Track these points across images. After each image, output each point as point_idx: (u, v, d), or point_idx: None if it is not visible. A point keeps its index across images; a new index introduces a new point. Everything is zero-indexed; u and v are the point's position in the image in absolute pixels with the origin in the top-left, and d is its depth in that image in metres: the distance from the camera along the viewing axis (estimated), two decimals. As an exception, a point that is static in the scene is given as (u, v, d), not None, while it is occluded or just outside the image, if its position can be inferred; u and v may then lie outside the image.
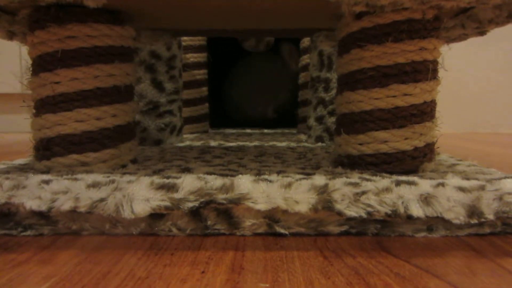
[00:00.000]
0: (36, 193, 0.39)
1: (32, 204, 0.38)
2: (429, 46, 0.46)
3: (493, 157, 0.90)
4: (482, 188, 0.40)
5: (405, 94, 0.46)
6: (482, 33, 0.52)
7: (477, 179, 0.43)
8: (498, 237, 0.40)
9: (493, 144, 1.19)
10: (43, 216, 0.39)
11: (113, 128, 0.50)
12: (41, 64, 0.49)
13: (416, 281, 0.30)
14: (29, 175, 0.43)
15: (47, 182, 0.41)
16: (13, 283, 0.29)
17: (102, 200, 0.38)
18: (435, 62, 0.47)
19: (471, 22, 0.50)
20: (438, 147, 0.53)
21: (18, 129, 1.69)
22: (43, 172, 0.46)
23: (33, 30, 0.49)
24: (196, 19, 0.61)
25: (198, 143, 0.86)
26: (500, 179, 0.43)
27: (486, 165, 0.56)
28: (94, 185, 0.40)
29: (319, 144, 0.85)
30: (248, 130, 1.26)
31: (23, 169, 0.51)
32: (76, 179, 0.41)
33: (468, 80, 1.58)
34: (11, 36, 0.58)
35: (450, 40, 0.57)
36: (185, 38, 1.05)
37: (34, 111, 0.51)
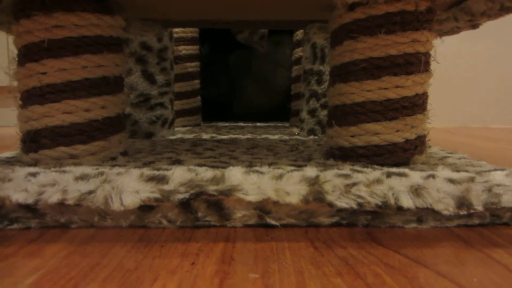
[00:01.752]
0: (22, 186, 0.38)
1: (18, 197, 0.37)
2: (421, 38, 0.46)
3: (484, 151, 0.91)
4: (471, 180, 0.41)
5: (397, 86, 0.46)
6: (474, 26, 0.52)
7: (467, 171, 0.44)
8: (486, 228, 0.40)
9: (484, 138, 1.20)
10: (30, 209, 0.39)
11: (102, 120, 0.50)
12: (27, 54, 0.48)
13: (406, 270, 0.30)
14: (15, 168, 0.42)
15: (34, 174, 0.40)
16: (-1, 276, 0.29)
17: (90, 192, 0.38)
18: (427, 55, 0.47)
19: (463, 15, 0.50)
20: (429, 140, 0.53)
21: (6, 123, 1.67)
22: (30, 165, 0.46)
23: (18, 19, 0.48)
24: (187, 10, 0.60)
25: (190, 136, 0.86)
26: (489, 171, 0.44)
27: (477, 158, 0.56)
28: (83, 178, 0.39)
29: (312, 137, 0.85)
30: (241, 124, 1.25)
31: (10, 162, 0.50)
32: (64, 172, 0.41)
33: (459, 75, 1.59)
34: (-4, 25, 0.56)
35: (442, 33, 0.57)
36: (177, 30, 1.04)
37: (20, 102, 0.50)
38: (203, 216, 0.39)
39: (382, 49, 0.45)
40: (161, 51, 0.81)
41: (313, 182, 0.39)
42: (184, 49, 1.06)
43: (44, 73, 0.47)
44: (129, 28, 0.58)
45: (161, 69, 0.82)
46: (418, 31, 0.45)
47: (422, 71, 0.46)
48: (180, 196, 0.38)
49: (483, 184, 0.40)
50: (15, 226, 0.39)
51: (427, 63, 0.47)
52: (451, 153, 0.60)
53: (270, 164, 0.46)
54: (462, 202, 0.39)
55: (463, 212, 0.39)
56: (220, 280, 0.28)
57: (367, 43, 0.46)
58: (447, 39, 0.59)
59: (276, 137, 0.85)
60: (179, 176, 0.39)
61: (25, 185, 0.38)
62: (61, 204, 0.38)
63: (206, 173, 0.40)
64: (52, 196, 0.37)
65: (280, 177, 0.40)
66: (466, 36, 1.48)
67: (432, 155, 0.57)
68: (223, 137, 0.84)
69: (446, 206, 0.39)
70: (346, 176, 0.40)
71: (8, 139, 1.10)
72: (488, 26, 0.61)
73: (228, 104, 1.34)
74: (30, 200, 0.37)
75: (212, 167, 0.43)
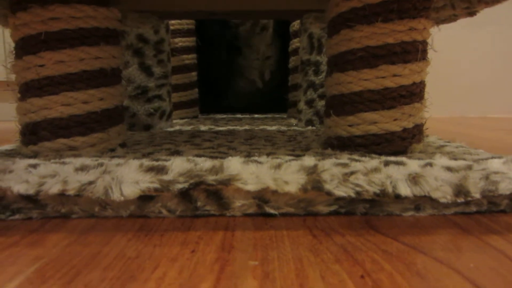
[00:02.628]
0: (23, 177, 0.39)
1: (19, 188, 0.38)
2: (418, 26, 0.46)
3: (482, 140, 0.91)
4: (469, 167, 0.41)
5: (395, 75, 0.46)
6: (472, 13, 0.52)
7: (464, 159, 0.44)
8: (484, 216, 0.41)
9: (482, 127, 1.20)
10: (31, 200, 0.39)
11: (100, 112, 0.50)
12: (24, 47, 0.48)
13: (403, 257, 0.31)
14: (16, 159, 0.43)
15: (34, 166, 0.40)
16: (2, 265, 0.29)
17: (90, 183, 0.38)
18: (424, 43, 0.47)
19: (460, 2, 0.50)
20: (427, 129, 0.53)
21: (5, 118, 1.66)
22: (30, 157, 0.46)
23: (15, 12, 0.48)
24: (183, 0, 0.60)
25: (188, 128, 0.86)
26: (487, 159, 0.44)
27: (475, 147, 0.56)
28: (83, 169, 0.40)
29: (309, 127, 0.85)
30: (239, 115, 1.25)
31: (10, 154, 0.50)
32: (64, 163, 0.41)
33: (457, 64, 1.59)
34: (-8, 18, 0.56)
35: (440, 21, 0.57)
36: (173, 22, 1.04)
37: (19, 95, 0.50)
38: (203, 206, 0.39)
39: (379, 37, 0.45)
40: (157, 43, 0.81)
41: (312, 171, 0.39)
42: (181, 41, 1.05)
43: (42, 66, 0.47)
44: (125, 20, 0.58)
45: (158, 61, 0.82)
46: (415, 19, 0.45)
47: (420, 59, 0.46)
48: (180, 186, 0.38)
49: (480, 172, 0.41)
50: (17, 216, 0.39)
51: (425, 52, 0.47)
52: (448, 142, 0.60)
53: (268, 154, 0.46)
54: (460, 190, 0.39)
55: (460, 199, 0.39)
56: (220, 267, 0.29)
57: (364, 31, 0.46)
58: (445, 27, 0.59)
59: (274, 128, 0.85)
60: (178, 166, 0.39)
61: (26, 177, 0.38)
62: (61, 195, 0.38)
63: (205, 163, 0.40)
64: (53, 187, 0.37)
65: (278, 166, 0.40)
66: (464, 24, 1.48)
67: (430, 144, 0.57)
68: (221, 128, 0.84)
69: (444, 194, 0.39)
70: (344, 165, 0.41)
71: (9, 134, 1.10)
72: (486, 14, 0.61)
73: (223, 96, 1.33)
74: (31, 191, 0.37)
75: (211, 157, 0.43)
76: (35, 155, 0.47)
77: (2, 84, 1.61)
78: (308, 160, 0.41)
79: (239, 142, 0.60)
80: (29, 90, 0.48)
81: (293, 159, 0.42)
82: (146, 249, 0.32)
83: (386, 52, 0.45)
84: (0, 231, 0.36)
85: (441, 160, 0.43)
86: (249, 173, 0.39)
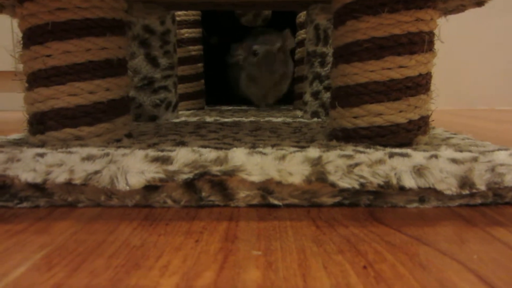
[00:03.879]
0: (31, 166, 0.39)
1: (27, 176, 0.38)
2: (425, 17, 0.45)
3: (489, 132, 0.90)
4: (474, 159, 0.41)
5: (401, 66, 0.46)
6: (480, 3, 0.52)
7: (470, 151, 0.44)
8: (489, 208, 0.41)
9: (490, 120, 1.19)
10: (39, 188, 0.40)
11: (107, 102, 0.50)
12: (32, 37, 0.48)
13: (406, 248, 0.31)
14: (23, 148, 0.43)
15: (41, 155, 0.41)
16: (10, 251, 0.30)
17: (96, 172, 0.38)
18: (431, 34, 0.47)
19: (468, -7, 0.50)
20: (433, 121, 0.53)
21: (14, 107, 1.68)
22: (37, 146, 0.46)
23: (22, 2, 0.48)
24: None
25: (194, 119, 0.86)
26: (493, 151, 0.44)
27: (481, 139, 0.56)
28: (89, 158, 0.40)
29: (315, 119, 0.85)
30: (244, 107, 1.25)
31: (18, 143, 0.51)
32: (70, 152, 0.41)
33: (465, 56, 1.57)
34: (0, 9, 0.57)
35: (447, 11, 0.56)
36: (179, 13, 1.03)
37: (26, 85, 0.50)
38: (207, 196, 0.40)
39: (385, 28, 0.45)
40: (164, 34, 0.81)
41: (316, 162, 0.40)
42: (187, 32, 1.05)
43: (49, 56, 0.47)
44: (131, 10, 0.58)
45: (164, 52, 0.82)
46: (422, 10, 0.45)
47: (426, 50, 0.46)
48: (184, 176, 0.38)
49: (486, 164, 0.40)
50: (24, 204, 0.40)
51: (431, 43, 0.47)
52: (455, 134, 0.60)
53: (273, 146, 0.46)
54: (465, 182, 0.39)
55: (465, 191, 0.39)
56: (223, 257, 0.29)
57: (370, 22, 0.45)
58: (453, 17, 0.58)
59: (279, 119, 0.85)
60: (183, 157, 0.40)
61: (34, 165, 0.39)
62: (68, 184, 0.38)
63: (209, 154, 0.40)
64: (60, 176, 0.38)
65: (283, 157, 0.40)
66: (473, 14, 1.45)
67: (436, 136, 0.57)
68: (226, 120, 0.84)
69: (449, 186, 0.39)
70: (349, 156, 0.41)
71: (17, 123, 1.11)
72: (496, 4, 0.60)
73: (229, 88, 1.33)
74: (38, 180, 0.38)
75: (216, 148, 0.43)
76: (42, 145, 0.48)
77: (10, 74, 1.62)
78: (313, 152, 0.42)
79: (244, 134, 0.60)
80: (36, 80, 0.48)
81: (297, 151, 0.42)
82: (150, 238, 0.32)
83: (392, 43, 0.45)
84: (8, 219, 0.37)
85: (446, 152, 0.42)
86: (254, 164, 0.39)
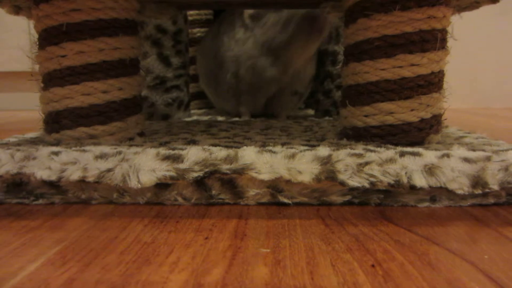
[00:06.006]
0: (46, 164, 0.40)
1: (42, 174, 0.39)
2: (438, 14, 0.45)
3: (504, 131, 0.89)
4: (487, 159, 0.40)
5: (412, 65, 0.45)
6: (494, 0, 0.51)
7: (483, 150, 0.43)
8: (502, 208, 0.40)
9: (506, 118, 1.17)
10: (54, 186, 0.41)
11: (119, 102, 0.51)
12: (47, 38, 0.49)
13: (416, 247, 0.31)
14: (39, 147, 0.44)
15: (56, 153, 0.42)
16: (26, 246, 0.31)
17: (109, 170, 0.39)
18: (444, 31, 0.46)
19: (483, -11, 0.49)
20: (446, 119, 0.52)
21: (29, 107, 1.72)
22: (52, 145, 0.47)
23: (38, 4, 0.49)
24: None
25: (205, 118, 0.87)
26: (507, 150, 0.43)
27: (496, 138, 0.55)
28: (102, 156, 0.41)
29: (326, 118, 0.85)
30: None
31: (34, 142, 0.52)
32: (84, 151, 0.42)
33: (482, 54, 1.54)
34: (17, 10, 0.58)
35: (461, 8, 0.55)
36: (191, 12, 1.04)
37: (42, 85, 0.51)
38: (217, 194, 0.40)
39: (396, 26, 0.44)
40: (176, 33, 0.82)
41: (326, 161, 0.40)
42: (199, 32, 1.06)
43: (63, 56, 0.48)
44: (144, 10, 0.58)
45: (176, 51, 0.82)
46: (435, 7, 0.44)
47: (439, 48, 0.45)
48: (195, 175, 0.39)
49: (499, 163, 0.40)
50: (40, 201, 0.41)
51: (444, 40, 0.46)
52: (468, 132, 0.59)
53: (283, 144, 0.47)
54: (477, 181, 0.39)
55: (477, 191, 0.39)
56: (232, 254, 0.29)
57: (382, 20, 0.45)
58: (469, 13, 0.57)
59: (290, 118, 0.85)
60: (193, 155, 0.40)
61: (49, 163, 0.40)
62: (82, 181, 0.39)
63: (220, 152, 0.41)
64: (74, 174, 0.39)
65: (292, 156, 0.40)
66: (489, 10, 1.43)
67: (449, 135, 0.56)
68: (237, 118, 0.84)
69: (460, 185, 0.39)
70: (359, 155, 0.40)
71: (33, 123, 1.14)
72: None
73: None
74: (53, 177, 0.39)
75: (226, 147, 0.44)
76: (57, 143, 0.49)
77: (26, 74, 1.66)
78: (323, 150, 0.42)
79: (254, 132, 0.60)
80: (51, 80, 0.50)
81: (307, 149, 0.42)
82: (161, 235, 0.33)
83: (404, 41, 0.45)
84: (25, 215, 0.38)
85: (458, 151, 0.42)
86: (263, 162, 0.39)
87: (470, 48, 1.49)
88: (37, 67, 0.52)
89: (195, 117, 0.89)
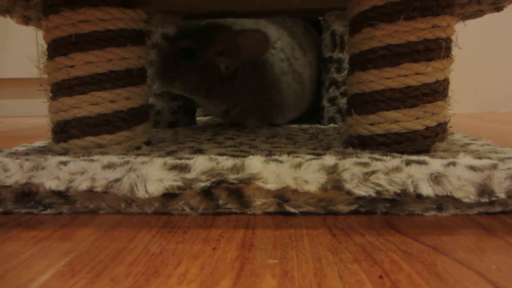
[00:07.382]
0: (54, 174, 0.41)
1: (51, 184, 0.40)
2: (442, 23, 0.45)
3: (510, 136, 0.88)
4: (494, 167, 0.40)
5: (417, 73, 0.46)
6: (498, 9, 0.51)
7: (489, 158, 0.43)
8: (509, 216, 0.40)
9: (511, 123, 1.16)
10: (62, 196, 0.41)
11: (127, 111, 0.51)
12: (56, 49, 0.50)
13: (423, 257, 0.31)
14: (47, 156, 0.45)
15: (64, 163, 0.42)
16: (35, 258, 0.31)
17: (117, 180, 0.40)
18: (448, 40, 0.46)
19: (487, -2, 0.49)
20: (451, 126, 0.52)
21: (36, 113, 1.73)
22: (60, 154, 0.48)
23: (47, 15, 0.50)
24: (206, 1, 0.61)
25: (211, 125, 0.87)
26: (513, 158, 0.43)
27: (503, 144, 0.55)
28: (110, 166, 0.41)
29: (332, 125, 0.85)
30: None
31: (42, 151, 0.53)
32: (92, 160, 0.43)
33: (488, 58, 1.53)
34: (26, 21, 0.59)
35: (465, 17, 0.56)
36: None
37: (50, 94, 0.52)
38: (224, 204, 0.40)
39: (401, 36, 0.45)
40: (182, 42, 0.82)
41: (332, 170, 0.40)
42: (205, 39, 1.06)
43: (72, 66, 0.49)
44: (150, 20, 0.59)
45: (182, 59, 0.83)
46: (439, 16, 0.44)
47: (443, 57, 0.45)
48: (202, 184, 0.39)
49: (505, 171, 0.40)
50: (48, 211, 0.42)
51: (448, 49, 0.46)
52: (474, 139, 0.59)
53: (289, 153, 0.47)
54: (484, 190, 0.39)
55: (484, 199, 0.39)
56: (240, 265, 0.30)
57: (386, 30, 0.45)
58: (472, 22, 0.58)
59: (295, 125, 0.85)
60: (200, 165, 0.40)
61: (57, 173, 0.40)
62: (90, 191, 0.40)
63: (226, 162, 0.41)
64: (82, 184, 0.39)
65: (299, 165, 0.40)
66: (493, 17, 1.43)
67: (454, 142, 0.56)
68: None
69: (467, 194, 0.39)
70: (365, 164, 0.41)
71: (39, 129, 1.15)
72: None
73: None
74: (62, 187, 0.39)
75: (233, 156, 0.44)
76: (65, 152, 0.50)
77: (33, 81, 1.68)
78: (329, 159, 0.42)
79: (260, 141, 0.61)
80: (60, 89, 0.50)
81: (313, 158, 0.43)
82: (169, 246, 0.33)
83: (409, 50, 0.45)
84: (34, 225, 0.38)
85: (464, 159, 0.42)
86: (270, 172, 0.40)
87: (476, 52, 1.49)
88: (45, 76, 0.53)
89: (201, 125, 0.89)
